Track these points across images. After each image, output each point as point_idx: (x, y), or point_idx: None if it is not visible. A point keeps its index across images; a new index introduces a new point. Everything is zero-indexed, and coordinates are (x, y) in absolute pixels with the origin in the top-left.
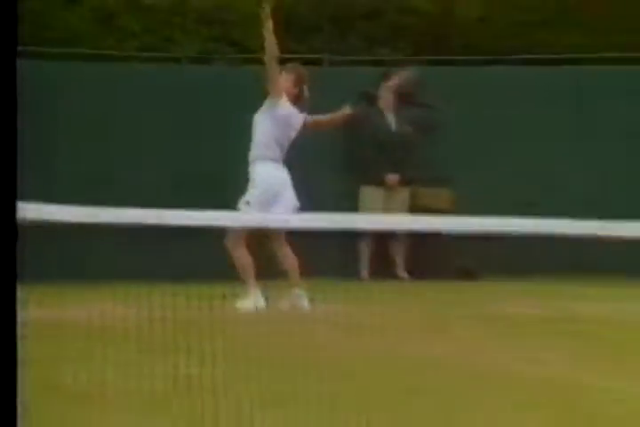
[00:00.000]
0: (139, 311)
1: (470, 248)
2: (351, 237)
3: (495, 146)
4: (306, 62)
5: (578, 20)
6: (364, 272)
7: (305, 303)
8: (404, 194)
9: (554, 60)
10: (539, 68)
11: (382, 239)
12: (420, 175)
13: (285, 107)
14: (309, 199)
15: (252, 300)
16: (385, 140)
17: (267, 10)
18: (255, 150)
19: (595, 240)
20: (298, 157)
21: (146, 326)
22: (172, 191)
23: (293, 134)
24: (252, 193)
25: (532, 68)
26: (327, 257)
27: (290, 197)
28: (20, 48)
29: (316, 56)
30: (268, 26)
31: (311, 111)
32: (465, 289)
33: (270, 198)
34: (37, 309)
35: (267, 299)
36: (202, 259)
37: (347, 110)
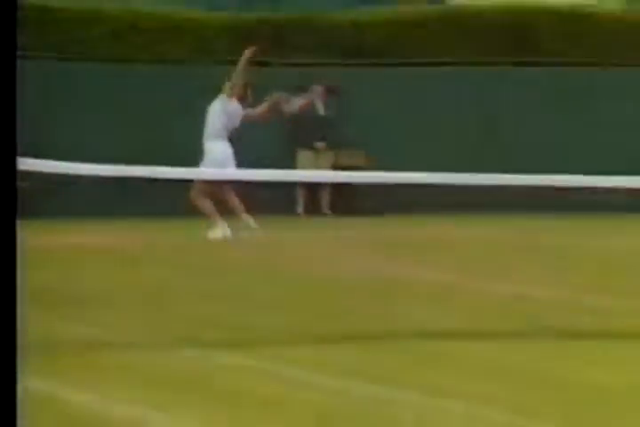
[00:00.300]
0: (127, 240)
1: (377, 193)
2: (291, 185)
3: (394, 123)
4: (259, 63)
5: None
6: (300, 210)
7: (257, 233)
8: (328, 155)
9: (429, 63)
10: (418, 68)
11: (313, 187)
12: (340, 142)
13: (233, 103)
14: (263, 159)
15: (219, 231)
16: (315, 118)
17: (249, 54)
18: (208, 132)
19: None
20: (254, 130)
21: (134, 250)
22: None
23: (237, 123)
24: (204, 163)
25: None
26: (274, 200)
27: (232, 166)
28: (51, 54)
29: (266, 59)
30: (245, 59)
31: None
32: (371, 222)
33: (218, 167)
34: (39, 237)
35: (231, 230)
36: (177, 201)
37: (275, 97)
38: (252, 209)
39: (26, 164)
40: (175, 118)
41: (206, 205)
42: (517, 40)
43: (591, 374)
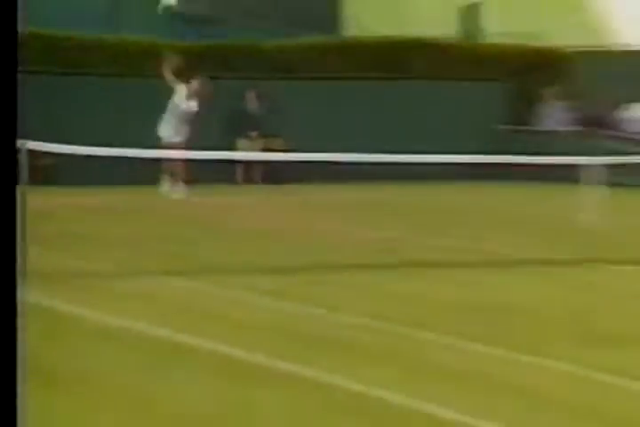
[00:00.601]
0: (114, 200)
1: (293, 168)
2: (233, 163)
3: (305, 119)
4: (211, 77)
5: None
6: (240, 180)
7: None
8: (259, 142)
9: (330, 77)
10: (323, 81)
11: (248, 163)
12: (267, 133)
13: (190, 100)
14: (214, 145)
15: (180, 192)
16: (249, 116)
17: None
18: (169, 118)
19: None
20: (205, 124)
21: (119, 206)
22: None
23: (187, 114)
24: (165, 137)
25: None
26: (222, 173)
27: (183, 138)
28: (62, 70)
29: (214, 74)
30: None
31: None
32: (289, 188)
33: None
34: (50, 199)
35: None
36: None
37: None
38: (206, 179)
39: (47, 147)
40: (155, 115)
41: (180, 172)
42: (392, 62)
43: (459, 294)
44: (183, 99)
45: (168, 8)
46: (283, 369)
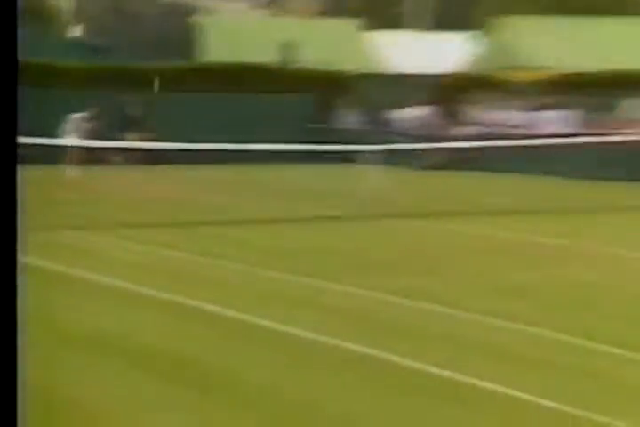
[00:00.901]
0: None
1: (164, 153)
2: (120, 149)
3: (174, 121)
4: (105, 90)
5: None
6: (125, 162)
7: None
8: (139, 135)
9: (193, 91)
10: (188, 93)
11: (131, 150)
12: (146, 129)
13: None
14: (110, 137)
15: (81, 171)
16: (133, 118)
17: None
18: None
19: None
20: (102, 125)
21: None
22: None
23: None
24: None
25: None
26: (112, 157)
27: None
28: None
29: (108, 88)
30: None
31: None
32: (164, 168)
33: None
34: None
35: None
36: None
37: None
38: (99, 161)
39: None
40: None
41: (80, 158)
42: (233, 80)
43: (301, 242)
44: (85, 117)
45: (74, 39)
46: (174, 300)
